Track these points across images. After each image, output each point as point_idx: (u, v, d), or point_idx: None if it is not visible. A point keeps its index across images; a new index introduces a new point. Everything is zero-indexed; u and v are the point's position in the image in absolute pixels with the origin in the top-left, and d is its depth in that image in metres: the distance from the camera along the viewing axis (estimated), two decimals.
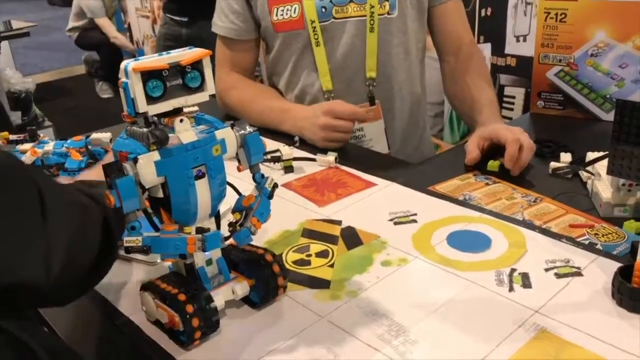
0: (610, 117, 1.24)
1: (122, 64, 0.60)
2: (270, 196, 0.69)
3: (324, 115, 1.17)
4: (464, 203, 0.94)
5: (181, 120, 0.62)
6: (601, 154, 0.94)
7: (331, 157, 1.11)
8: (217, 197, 0.65)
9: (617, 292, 0.68)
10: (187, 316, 0.62)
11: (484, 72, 1.31)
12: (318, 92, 1.28)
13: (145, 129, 0.61)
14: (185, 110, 0.64)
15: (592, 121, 1.26)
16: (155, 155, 0.61)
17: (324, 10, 1.23)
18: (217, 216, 0.68)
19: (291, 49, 1.28)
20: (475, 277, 0.75)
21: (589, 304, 0.69)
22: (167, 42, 3.17)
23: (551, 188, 0.97)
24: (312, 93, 1.30)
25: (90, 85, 5.12)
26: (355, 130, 1.28)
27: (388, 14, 1.25)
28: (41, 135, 1.17)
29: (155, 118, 0.63)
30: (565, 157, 1.04)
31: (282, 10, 1.24)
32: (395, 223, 0.89)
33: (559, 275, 0.74)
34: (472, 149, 1.06)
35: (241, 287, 0.69)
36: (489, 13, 3.09)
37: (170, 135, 0.61)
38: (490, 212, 0.90)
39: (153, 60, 0.61)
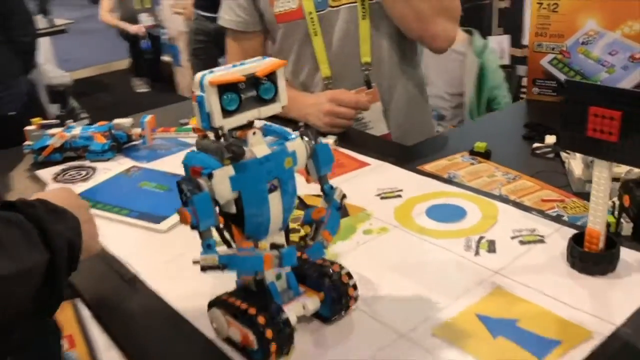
0: None
1: (197, 77, 0.59)
2: (340, 208, 0.68)
3: (329, 102, 1.26)
4: (447, 180, 1.01)
5: (254, 133, 0.61)
6: None
7: (331, 139, 1.19)
8: (289, 209, 0.64)
9: (570, 255, 0.75)
10: (261, 329, 0.59)
11: None
12: (320, 80, 1.37)
13: (218, 143, 0.60)
14: (255, 122, 0.62)
15: None
16: (230, 170, 0.59)
17: (320, 0, 1.31)
18: (286, 229, 0.67)
19: (293, 39, 1.36)
20: (446, 243, 0.83)
21: (544, 267, 0.76)
22: (197, 37, 3.31)
23: (532, 167, 1.04)
24: (315, 80, 1.38)
25: (128, 80, 5.35)
26: (357, 114, 1.36)
27: None
28: (70, 121, 1.29)
29: (227, 131, 0.61)
30: (550, 139, 1.11)
31: (282, 2, 1.32)
32: (382, 198, 0.97)
33: (522, 242, 0.81)
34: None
35: (312, 302, 0.66)
36: (507, 5, 3.12)
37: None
38: (469, 188, 0.97)
39: (228, 72, 0.59)
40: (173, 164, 1.17)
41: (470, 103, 2.69)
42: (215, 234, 0.61)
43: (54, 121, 1.27)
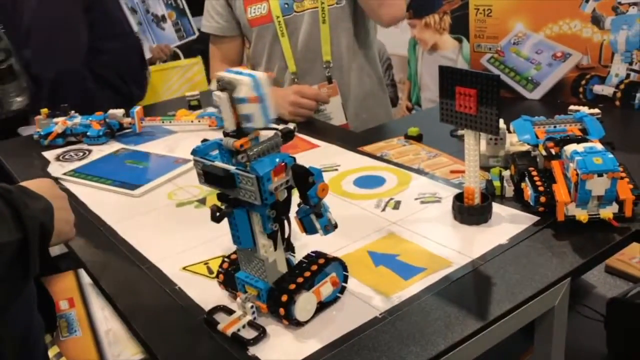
0: (532, 95, 1.47)
1: (247, 80, 0.64)
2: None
3: (294, 94, 1.45)
4: (378, 158, 1.20)
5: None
6: None
7: (291, 126, 1.38)
8: None
9: (452, 209, 0.93)
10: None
11: None
12: (289, 75, 1.56)
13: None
14: None
15: (518, 99, 1.48)
16: None
17: (286, 6, 1.51)
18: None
19: (264, 40, 1.56)
20: (361, 203, 1.01)
21: (433, 220, 0.95)
22: None
23: (454, 147, 1.21)
24: (285, 76, 1.57)
25: None
26: (318, 106, 1.55)
27: (337, 3, 1.50)
28: (72, 112, 1.50)
29: None
30: None
31: (255, 9, 1.53)
32: (322, 171, 1.16)
33: (423, 202, 1.00)
34: None
35: None
36: None
37: None
38: (394, 163, 1.16)
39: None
40: (156, 147, 1.38)
41: None
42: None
43: (58, 111, 1.49)
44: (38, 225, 0.65)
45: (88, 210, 1.09)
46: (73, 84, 1.75)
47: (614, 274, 1.83)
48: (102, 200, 1.12)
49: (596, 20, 1.34)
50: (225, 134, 0.68)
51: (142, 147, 1.38)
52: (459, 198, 0.94)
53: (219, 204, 0.70)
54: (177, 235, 0.98)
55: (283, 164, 0.67)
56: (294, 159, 0.69)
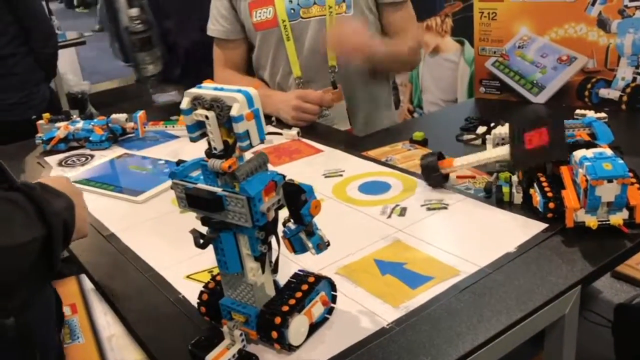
0: (538, 99, 1.46)
1: (241, 97, 0.60)
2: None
3: (296, 99, 1.44)
4: (383, 163, 1.19)
5: None
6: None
7: (294, 131, 1.38)
8: None
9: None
10: None
11: (411, 42, 1.54)
12: (294, 79, 1.55)
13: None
14: None
15: (523, 103, 1.47)
16: None
17: (292, 11, 1.50)
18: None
19: (269, 44, 1.55)
20: (366, 210, 1.00)
21: (440, 226, 0.93)
22: None
23: (461, 152, 1.20)
24: (289, 80, 1.56)
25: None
26: (322, 111, 1.53)
27: (345, 12, 1.49)
28: (74, 116, 1.49)
29: None
30: (481, 130, 1.27)
31: (260, 13, 1.52)
32: (326, 177, 1.15)
33: (429, 209, 0.98)
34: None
35: None
36: None
37: None
38: (399, 169, 1.14)
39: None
40: (160, 152, 1.37)
41: None
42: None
43: (61, 116, 1.48)
44: (61, 222, 0.65)
45: (91, 216, 1.08)
46: (204, 53, 1.79)
47: (621, 278, 1.82)
48: (105, 207, 1.11)
49: (602, 24, 1.33)
50: (210, 155, 0.63)
51: (145, 152, 1.37)
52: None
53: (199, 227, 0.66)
54: (180, 242, 0.96)
55: (273, 182, 0.64)
56: (284, 176, 0.66)
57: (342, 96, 1.54)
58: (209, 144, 0.63)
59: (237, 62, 1.64)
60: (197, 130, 0.64)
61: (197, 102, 0.62)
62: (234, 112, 0.60)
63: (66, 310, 1.75)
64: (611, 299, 1.60)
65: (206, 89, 0.63)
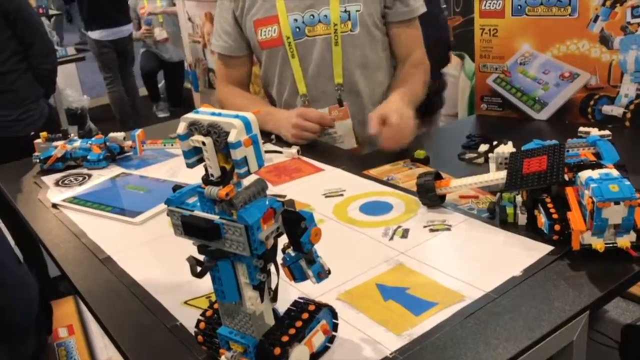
0: (540, 116, 1.45)
1: (239, 123, 0.59)
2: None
3: (297, 117, 1.42)
4: (384, 182, 1.17)
5: None
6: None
7: (294, 149, 1.36)
8: None
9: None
10: None
11: (424, 75, 1.53)
12: (300, 98, 1.52)
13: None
14: None
15: (525, 120, 1.46)
16: None
17: (297, 30, 1.48)
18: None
19: (275, 62, 1.53)
20: (368, 231, 0.98)
21: (444, 249, 0.91)
22: None
23: (463, 171, 1.18)
24: (297, 98, 1.53)
25: (149, 106, 5.60)
26: (327, 129, 1.51)
27: (351, 31, 1.47)
28: (71, 134, 1.48)
29: None
30: (483, 148, 1.25)
31: (265, 31, 1.50)
32: (326, 196, 1.13)
33: (432, 230, 0.96)
34: (375, 124, 1.28)
35: None
36: None
37: None
38: (400, 188, 1.13)
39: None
40: (158, 171, 1.35)
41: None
42: None
43: (58, 135, 1.46)
44: None
45: (87, 238, 1.06)
46: None
47: (628, 298, 1.79)
48: (101, 228, 1.09)
49: (605, 40, 1.32)
50: (207, 182, 0.62)
51: (143, 172, 1.35)
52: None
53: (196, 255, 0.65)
54: (178, 266, 0.93)
55: (272, 209, 0.62)
56: (283, 203, 0.64)
57: (349, 114, 1.51)
58: (206, 170, 0.62)
59: (239, 79, 1.63)
60: (194, 156, 0.63)
61: (194, 127, 0.61)
62: (231, 139, 0.58)
63: (63, 331, 1.72)
64: (618, 319, 1.57)
65: (203, 114, 0.61)
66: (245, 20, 1.53)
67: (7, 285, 0.77)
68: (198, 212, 0.63)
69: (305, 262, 0.67)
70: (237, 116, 0.60)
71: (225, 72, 1.63)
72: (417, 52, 1.55)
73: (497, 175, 0.99)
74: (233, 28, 1.56)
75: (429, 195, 1.02)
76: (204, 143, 0.59)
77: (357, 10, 1.47)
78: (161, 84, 5.50)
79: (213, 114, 0.61)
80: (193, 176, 0.67)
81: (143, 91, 5.95)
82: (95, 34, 4.47)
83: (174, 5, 4.54)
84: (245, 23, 1.53)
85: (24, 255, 2.52)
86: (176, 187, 0.66)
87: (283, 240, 0.66)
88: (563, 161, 0.94)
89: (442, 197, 1.04)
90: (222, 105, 1.62)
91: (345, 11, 1.47)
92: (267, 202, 0.62)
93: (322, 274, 0.68)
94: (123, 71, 4.73)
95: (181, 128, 0.62)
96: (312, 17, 1.48)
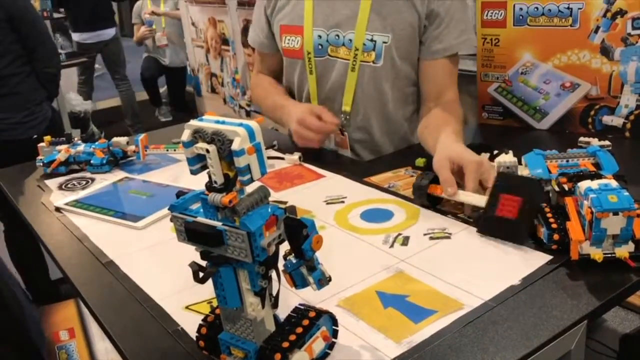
0: (541, 125, 1.46)
1: (242, 131, 0.59)
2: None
3: (304, 112, 1.36)
4: (386, 189, 1.18)
5: None
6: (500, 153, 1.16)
7: (295, 156, 1.37)
8: None
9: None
10: None
11: (457, 118, 1.35)
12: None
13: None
14: None
15: (526, 129, 1.47)
16: None
17: (320, 47, 1.43)
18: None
19: (294, 71, 1.52)
20: (368, 239, 0.99)
21: (444, 257, 0.92)
22: None
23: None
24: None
25: (152, 110, 5.62)
26: (324, 140, 1.48)
27: (373, 62, 1.38)
28: (75, 138, 1.49)
29: None
30: (484, 156, 1.26)
31: (289, 40, 1.48)
32: (328, 203, 1.14)
33: (432, 238, 0.97)
34: (448, 177, 1.04)
35: None
36: None
37: None
38: (401, 196, 1.13)
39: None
40: (161, 176, 1.36)
41: None
42: None
43: (62, 138, 1.47)
44: None
45: (90, 242, 1.07)
46: None
47: (626, 307, 1.79)
48: (104, 233, 1.10)
49: (605, 51, 1.33)
50: (211, 189, 0.62)
51: (146, 176, 1.36)
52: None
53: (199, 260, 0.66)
54: (180, 270, 0.94)
55: (274, 217, 0.63)
56: (285, 210, 0.65)
57: (347, 145, 1.47)
58: (210, 177, 0.63)
59: (272, 68, 1.63)
60: (198, 163, 0.64)
61: (198, 135, 0.62)
62: (235, 146, 0.59)
63: (64, 334, 1.73)
64: (616, 328, 1.57)
65: (207, 121, 0.62)
66: (274, 21, 1.52)
67: None
68: (201, 219, 0.64)
69: (306, 269, 0.68)
70: (240, 124, 0.60)
71: (261, 64, 1.66)
72: (450, 93, 1.40)
73: (478, 200, 1.00)
74: (265, 25, 1.56)
75: (420, 195, 1.06)
76: (208, 150, 0.60)
77: (384, 42, 1.37)
78: (163, 88, 5.52)
79: (217, 121, 0.62)
80: (195, 181, 0.67)
81: (144, 95, 5.98)
82: (76, 36, 4.62)
83: (178, 9, 4.57)
84: (274, 24, 1.53)
85: (24, 259, 2.53)
86: (180, 193, 0.67)
87: (284, 246, 0.67)
88: (535, 208, 0.92)
89: (435, 201, 1.07)
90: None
91: (372, 40, 1.38)
92: (269, 210, 0.63)
93: (322, 280, 0.69)
94: (114, 75, 4.79)
95: (185, 135, 0.63)
96: (337, 37, 1.41)
